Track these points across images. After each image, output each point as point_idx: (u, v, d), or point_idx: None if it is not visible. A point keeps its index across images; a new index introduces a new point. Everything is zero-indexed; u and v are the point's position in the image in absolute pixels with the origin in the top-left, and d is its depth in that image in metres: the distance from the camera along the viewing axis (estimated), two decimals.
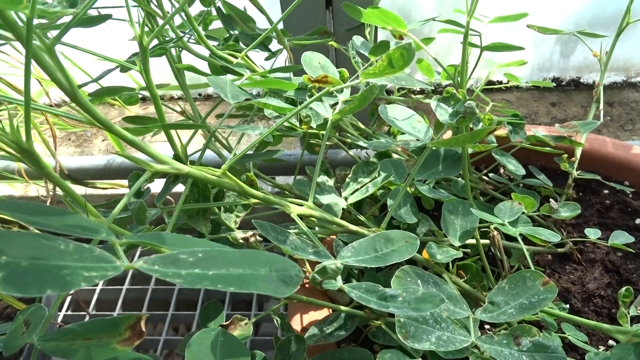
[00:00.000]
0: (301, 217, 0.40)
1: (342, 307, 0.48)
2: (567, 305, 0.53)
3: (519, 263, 0.54)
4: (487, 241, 0.52)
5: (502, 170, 0.68)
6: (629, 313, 0.45)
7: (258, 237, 0.35)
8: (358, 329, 0.50)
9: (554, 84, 1.12)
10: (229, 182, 0.33)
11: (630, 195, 0.65)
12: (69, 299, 0.86)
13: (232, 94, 0.40)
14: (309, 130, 0.57)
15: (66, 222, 0.22)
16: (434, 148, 0.53)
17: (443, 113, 0.42)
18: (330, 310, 0.51)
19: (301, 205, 0.38)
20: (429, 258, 0.42)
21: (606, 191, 0.66)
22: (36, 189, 0.88)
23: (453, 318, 0.34)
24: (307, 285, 0.55)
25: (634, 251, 0.58)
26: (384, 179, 0.48)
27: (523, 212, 0.54)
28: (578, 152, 0.63)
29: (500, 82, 1.20)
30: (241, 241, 0.35)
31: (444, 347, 0.31)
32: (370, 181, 0.50)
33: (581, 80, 1.17)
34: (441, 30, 0.50)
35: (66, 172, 0.78)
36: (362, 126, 0.63)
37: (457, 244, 0.45)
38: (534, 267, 0.52)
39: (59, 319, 0.82)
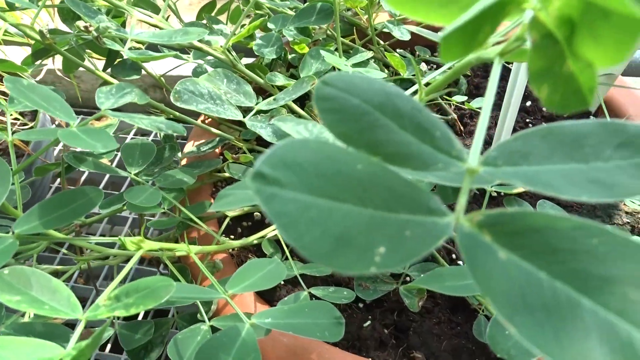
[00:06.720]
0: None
1: (217, 131, 0.57)
2: None
3: None
4: None
5: (417, 54, 0.72)
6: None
7: None
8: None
9: None
10: None
11: None
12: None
13: None
14: None
15: None
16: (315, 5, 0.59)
17: None
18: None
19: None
20: (266, 82, 0.50)
21: None
22: None
23: (236, 104, 0.42)
24: (207, 122, 0.65)
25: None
26: (260, 23, 0.56)
27: (399, 75, 0.60)
28: None
29: None
30: None
31: (208, 112, 0.39)
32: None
33: None
34: None
35: None
36: None
37: None
38: None
39: None
